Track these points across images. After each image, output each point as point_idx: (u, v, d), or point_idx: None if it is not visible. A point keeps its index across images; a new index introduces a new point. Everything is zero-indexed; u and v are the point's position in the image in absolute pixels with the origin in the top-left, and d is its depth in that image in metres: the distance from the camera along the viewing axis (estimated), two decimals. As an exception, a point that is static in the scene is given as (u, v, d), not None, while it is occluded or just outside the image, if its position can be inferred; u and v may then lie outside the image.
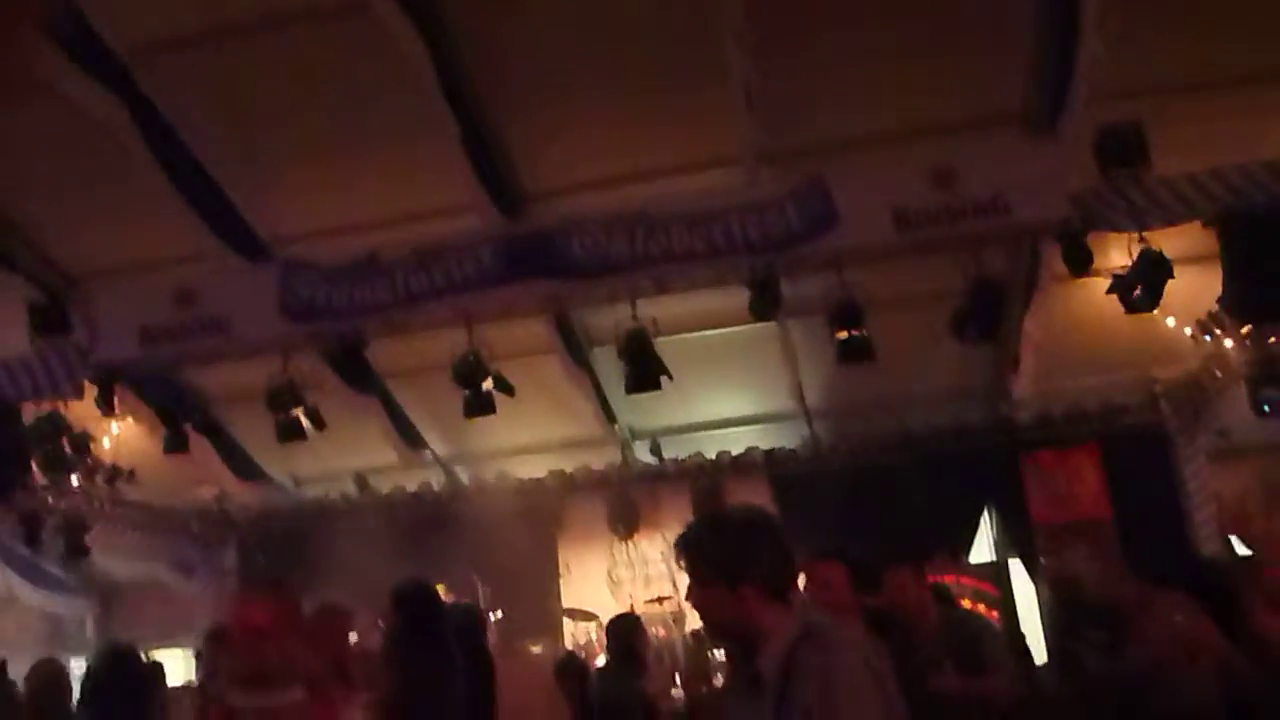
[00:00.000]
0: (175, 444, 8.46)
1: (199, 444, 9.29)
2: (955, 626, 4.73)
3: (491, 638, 7.03)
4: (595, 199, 7.16)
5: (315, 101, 6.98)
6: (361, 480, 10.69)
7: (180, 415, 8.61)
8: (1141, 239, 6.87)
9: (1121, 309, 7.16)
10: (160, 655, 8.18)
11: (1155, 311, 7.48)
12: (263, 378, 7.97)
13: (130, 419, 8.99)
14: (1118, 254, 7.17)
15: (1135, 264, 6.90)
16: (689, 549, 2.56)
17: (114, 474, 9.30)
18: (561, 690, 5.64)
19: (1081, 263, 6.93)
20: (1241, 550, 8.76)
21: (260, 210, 7.63)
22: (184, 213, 7.34)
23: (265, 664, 2.69)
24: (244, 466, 10.14)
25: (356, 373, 8.42)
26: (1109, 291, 7.12)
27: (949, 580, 9.20)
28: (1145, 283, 6.95)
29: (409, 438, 9.99)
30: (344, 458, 10.11)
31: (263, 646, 2.69)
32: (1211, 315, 7.82)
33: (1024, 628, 9.18)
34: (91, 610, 11.53)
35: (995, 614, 9.40)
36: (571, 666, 6.93)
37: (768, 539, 2.54)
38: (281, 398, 7.80)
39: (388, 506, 10.65)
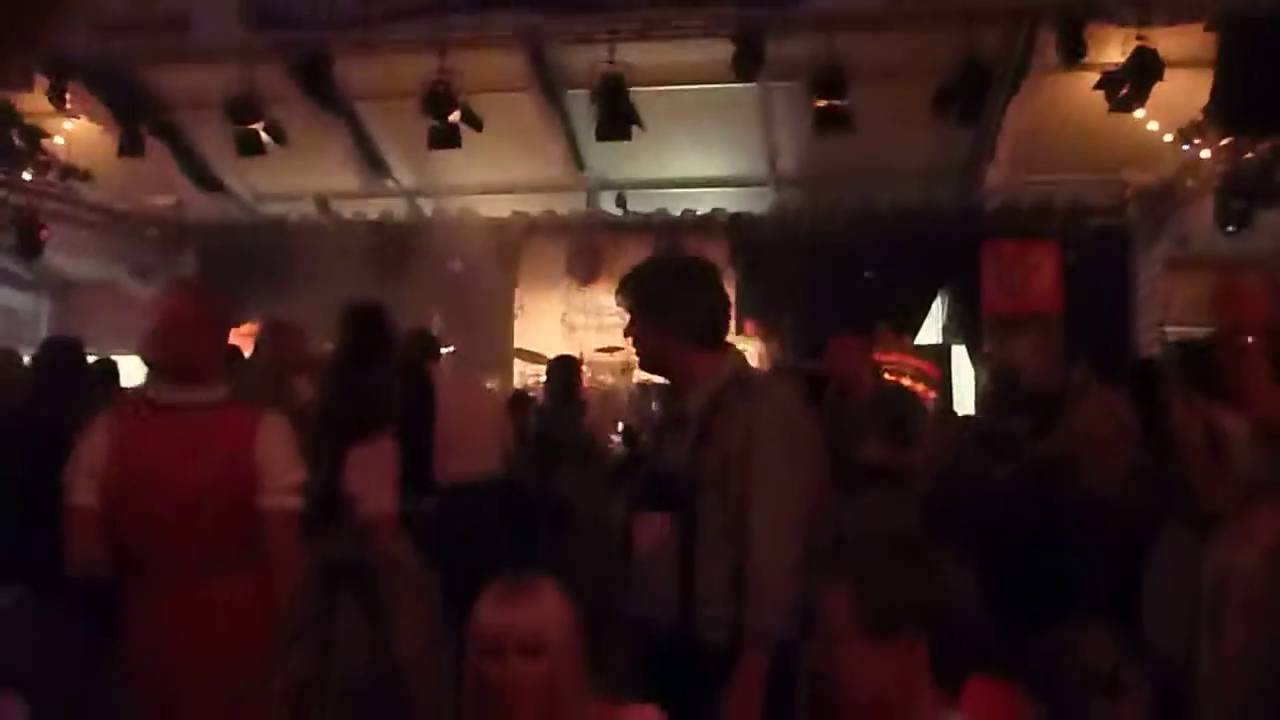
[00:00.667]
0: (131, 146, 8.25)
1: (157, 149, 9.06)
2: (886, 400, 4.85)
3: (444, 368, 7.18)
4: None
5: None
6: (322, 202, 10.53)
7: (136, 116, 8.34)
8: (1139, 35, 6.70)
9: (1104, 107, 7.06)
10: (116, 357, 8.28)
11: (1139, 113, 7.40)
12: (224, 85, 7.73)
13: (85, 118, 8.70)
14: (1111, 49, 6.99)
15: (1128, 61, 6.75)
16: (628, 284, 2.65)
17: (68, 172, 9.10)
18: (510, 419, 5.83)
19: (1075, 52, 6.78)
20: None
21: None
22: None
23: (183, 355, 2.68)
24: (203, 176, 9.93)
25: (321, 89, 8.12)
26: (1096, 87, 7.00)
27: (893, 358, 9.41)
28: (1134, 81, 6.83)
29: (373, 163, 9.80)
30: (306, 177, 9.92)
31: (182, 337, 2.68)
32: (1194, 123, 7.71)
33: (958, 410, 9.51)
34: (46, 307, 11.55)
35: (933, 395, 9.68)
36: (521, 399, 7.16)
37: (705, 287, 2.62)
38: (241, 108, 7.59)
39: (348, 231, 10.56)
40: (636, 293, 2.66)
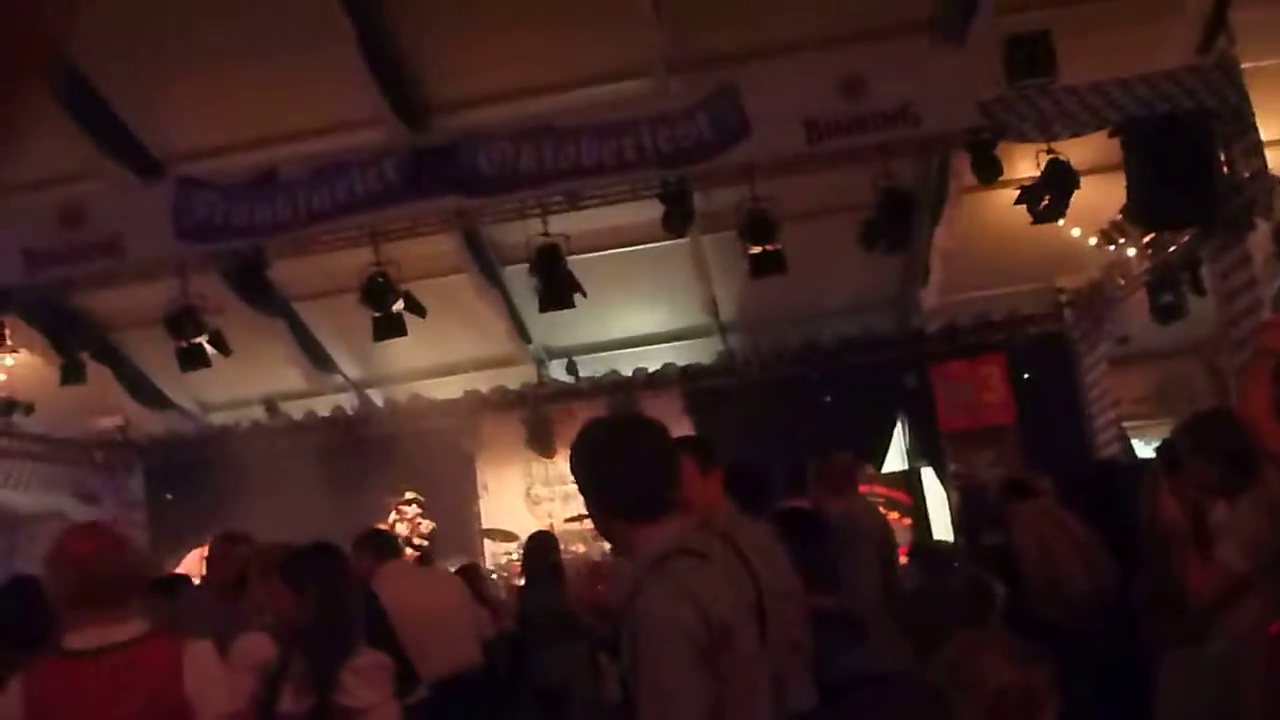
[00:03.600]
0: (72, 374, 8.13)
1: (99, 372, 8.97)
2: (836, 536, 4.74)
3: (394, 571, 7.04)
4: (501, 111, 7.00)
5: (202, 7, 6.64)
6: (271, 405, 10.45)
7: (75, 343, 8.27)
8: (1049, 149, 6.96)
9: (1027, 219, 7.27)
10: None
11: (1061, 221, 7.62)
12: (162, 301, 7.72)
13: (24, 350, 8.63)
14: (1024, 164, 7.25)
15: (1043, 174, 6.99)
16: (569, 459, 2.51)
17: (9, 407, 8.96)
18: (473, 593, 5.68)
19: (991, 172, 7.00)
20: (1142, 451, 9.05)
21: (150, 126, 7.29)
22: (69, 129, 6.96)
23: (90, 585, 2.56)
24: (147, 394, 9.85)
25: (260, 294, 8.14)
26: (1017, 202, 7.21)
27: (863, 490, 9.36)
28: (1052, 192, 7.05)
29: (318, 361, 9.79)
30: (251, 383, 9.88)
31: (88, 568, 2.56)
32: (1114, 224, 7.97)
33: (936, 532, 9.44)
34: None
35: (908, 521, 9.62)
36: (469, 569, 7.00)
37: (627, 456, 2.38)
38: (182, 323, 7.55)
39: (299, 431, 10.44)
40: (571, 468, 2.48)
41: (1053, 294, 9.41)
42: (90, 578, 2.55)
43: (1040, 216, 7.16)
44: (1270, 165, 6.81)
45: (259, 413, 10.48)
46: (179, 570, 7.67)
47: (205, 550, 7.65)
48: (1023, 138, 6.93)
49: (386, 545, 5.37)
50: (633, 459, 2.36)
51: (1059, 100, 6.69)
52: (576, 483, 2.43)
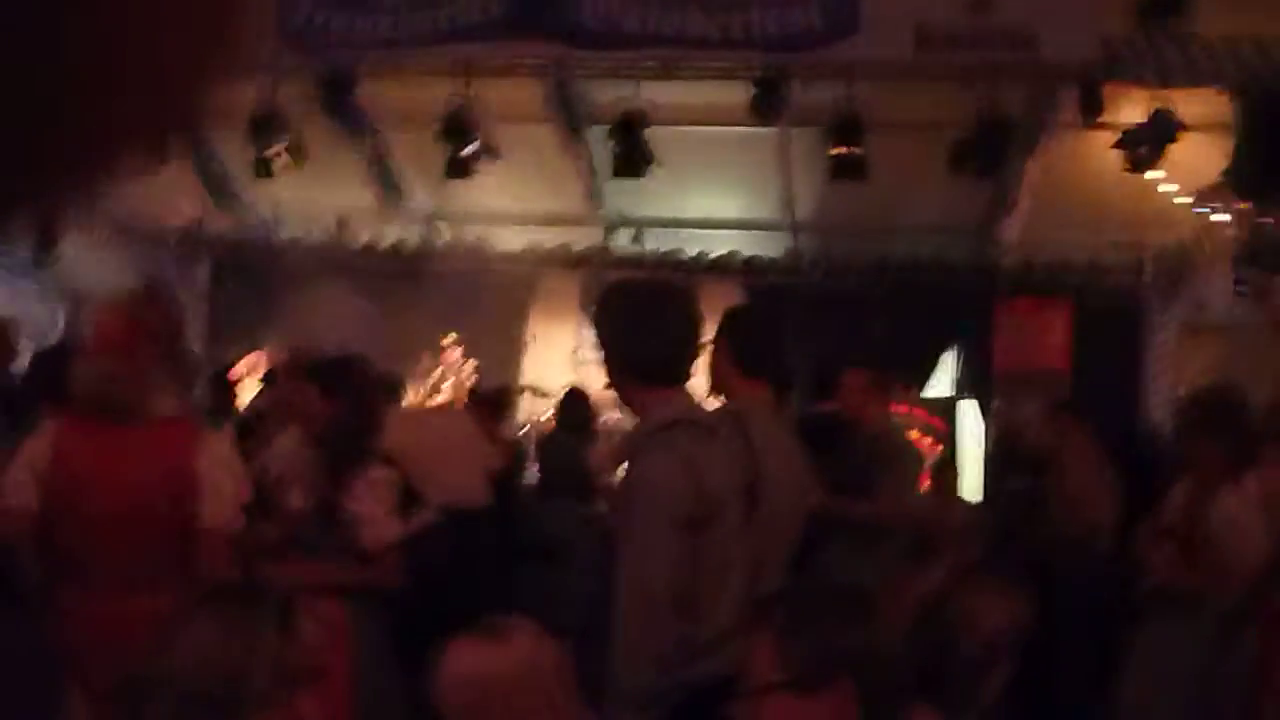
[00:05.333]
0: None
1: (177, 162, 9.10)
2: (867, 448, 4.76)
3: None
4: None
5: None
6: (342, 223, 10.58)
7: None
8: (1160, 97, 6.70)
9: (1122, 169, 7.05)
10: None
11: (1157, 174, 7.39)
12: (248, 99, 7.77)
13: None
14: (1131, 110, 7.00)
15: (1148, 121, 6.75)
16: (592, 315, 2.53)
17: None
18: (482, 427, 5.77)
19: (1094, 110, 6.78)
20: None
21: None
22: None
23: (118, 374, 2.62)
24: (221, 192, 9.99)
25: (346, 110, 8.18)
26: (1115, 145, 6.99)
27: (901, 409, 9.35)
28: (1152, 142, 6.84)
29: (390, 186, 9.84)
30: (323, 194, 9.95)
31: (117, 356, 2.62)
32: (1212, 187, 7.70)
33: (966, 466, 9.44)
34: (61, 315, 11.57)
35: (939, 448, 9.61)
36: (492, 397, 7.09)
37: (649, 321, 2.42)
38: (264, 128, 7.62)
39: (363, 253, 10.58)
40: (594, 324, 2.53)
41: (1135, 249, 9.16)
42: (118, 365, 2.64)
43: (1136, 164, 6.96)
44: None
45: (326, 224, 10.60)
46: (236, 368, 7.86)
47: (263, 353, 7.90)
48: (1140, 80, 6.67)
49: (395, 388, 5.49)
50: (653, 325, 2.41)
51: (1185, 47, 6.41)
52: (597, 339, 2.47)
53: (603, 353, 2.51)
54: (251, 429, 5.01)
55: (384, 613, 3.26)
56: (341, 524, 3.13)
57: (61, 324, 11.47)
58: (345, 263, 10.36)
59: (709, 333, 2.63)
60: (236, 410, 6.87)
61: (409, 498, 3.75)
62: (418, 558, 3.47)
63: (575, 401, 6.73)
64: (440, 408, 8.97)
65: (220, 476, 2.64)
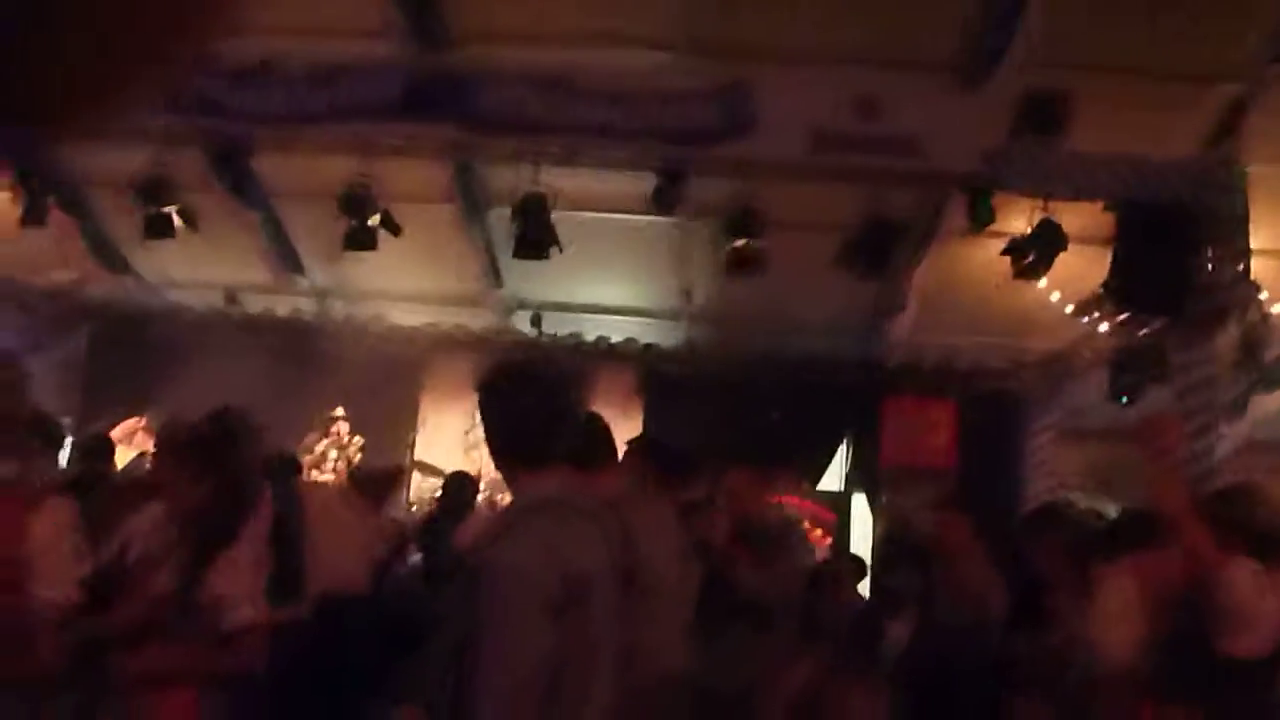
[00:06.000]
0: (34, 216, 8.02)
1: (64, 225, 8.84)
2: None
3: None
4: (515, 53, 6.88)
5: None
6: (231, 295, 10.34)
7: (44, 188, 8.14)
8: (1044, 208, 6.99)
9: (1005, 274, 7.30)
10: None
11: (1041, 283, 7.67)
12: (140, 167, 7.61)
13: (-2, 189, 8.47)
14: (1016, 220, 7.27)
15: (1034, 231, 7.02)
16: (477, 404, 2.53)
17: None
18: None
19: (984, 219, 7.04)
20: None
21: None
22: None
23: None
24: (108, 255, 9.70)
25: (240, 182, 8.05)
26: (1004, 253, 7.25)
27: (791, 501, 9.43)
28: (1039, 251, 7.10)
29: (286, 260, 9.67)
30: (215, 268, 9.76)
31: None
32: (1092, 298, 8.01)
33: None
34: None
35: (829, 540, 9.70)
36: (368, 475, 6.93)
37: (518, 401, 2.43)
38: (154, 190, 7.47)
39: (253, 326, 10.33)
40: (478, 405, 2.53)
41: (1017, 353, 9.46)
42: None
43: (1023, 272, 7.21)
44: (1255, 274, 6.89)
45: (216, 299, 10.36)
46: (111, 433, 7.54)
47: (138, 422, 7.60)
48: (1021, 192, 6.95)
49: (295, 464, 5.36)
50: (522, 405, 2.38)
51: (1064, 163, 6.71)
52: (481, 420, 2.46)
53: (485, 432, 2.50)
54: (121, 496, 4.79)
55: (244, 700, 3.09)
56: (203, 607, 2.99)
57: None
58: (233, 334, 10.10)
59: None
60: (107, 477, 6.54)
61: (285, 584, 3.60)
62: (287, 647, 3.32)
63: (459, 485, 6.62)
64: (326, 486, 8.73)
65: (53, 549, 2.49)
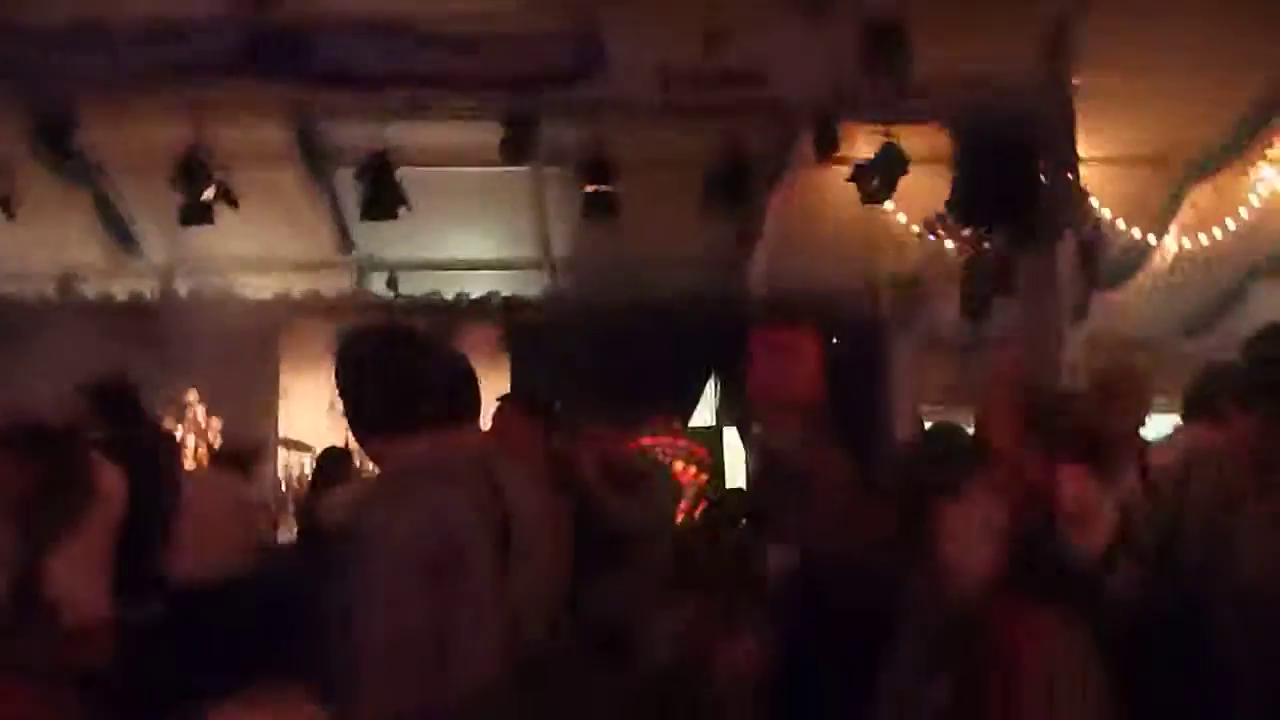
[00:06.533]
0: None
1: None
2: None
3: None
4: (355, 4, 6.64)
5: None
6: (66, 283, 9.78)
7: None
8: (886, 133, 7.16)
9: (858, 201, 7.47)
10: None
11: (890, 206, 7.87)
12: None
13: None
14: (863, 146, 7.44)
15: (876, 156, 7.19)
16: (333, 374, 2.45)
17: None
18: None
19: (829, 147, 7.17)
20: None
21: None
22: None
23: None
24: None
25: (64, 158, 7.57)
26: (849, 179, 7.40)
27: (663, 440, 9.51)
28: (883, 175, 7.28)
29: (122, 239, 9.19)
30: (45, 253, 9.20)
31: None
32: (937, 216, 8.27)
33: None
34: None
35: (705, 477, 9.83)
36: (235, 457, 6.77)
37: (380, 368, 2.36)
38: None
39: (92, 312, 9.81)
40: (335, 377, 2.43)
41: (874, 276, 9.71)
42: None
43: (870, 196, 7.39)
44: (1086, 182, 7.23)
45: (48, 286, 9.79)
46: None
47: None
48: (864, 120, 7.10)
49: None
50: (385, 370, 2.32)
51: (902, 86, 6.86)
52: (337, 390, 2.38)
53: (343, 404, 2.42)
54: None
55: (91, 700, 2.93)
56: (41, 603, 2.82)
57: None
58: (72, 322, 9.58)
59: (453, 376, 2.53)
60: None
61: (135, 578, 3.43)
62: (140, 643, 3.17)
63: (334, 459, 6.47)
64: (196, 472, 8.40)
65: None
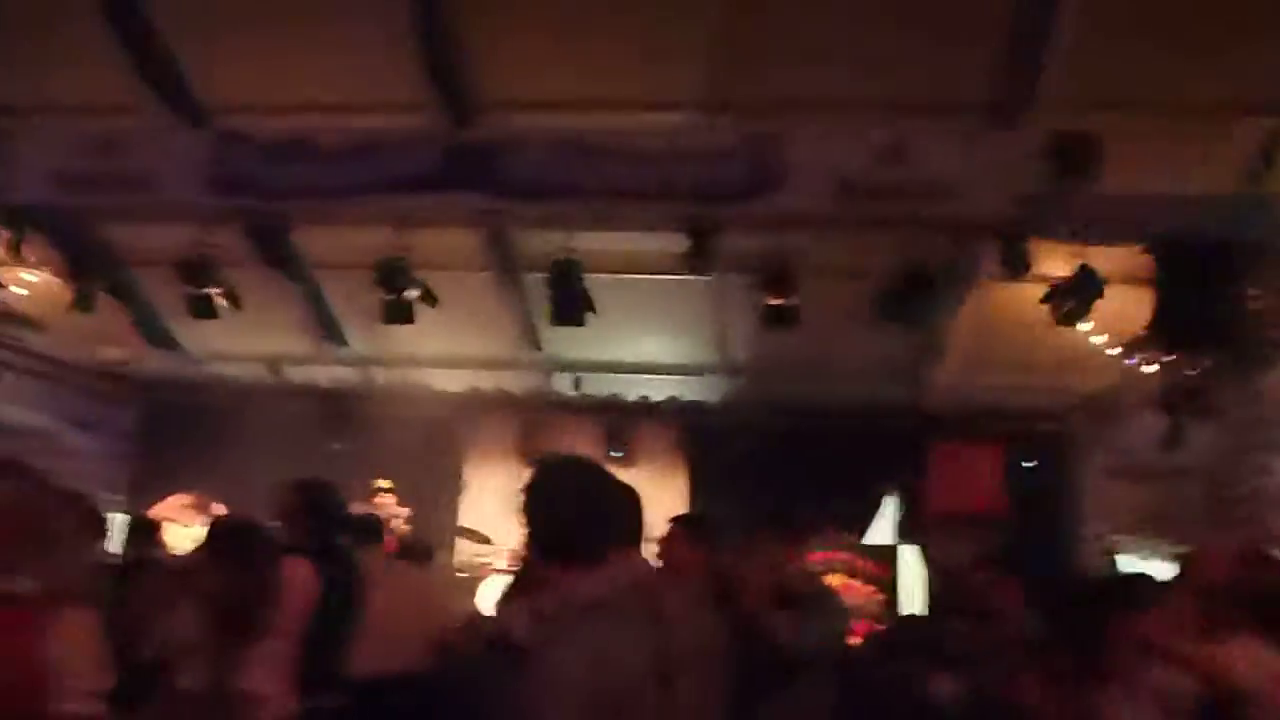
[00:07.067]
0: (83, 303, 8.21)
1: (111, 304, 9.02)
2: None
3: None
4: (543, 119, 6.97)
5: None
6: (274, 366, 10.49)
7: (92, 272, 8.33)
8: (1081, 252, 6.90)
9: (1048, 316, 7.20)
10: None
11: (1085, 326, 7.55)
12: (183, 243, 7.77)
13: (45, 270, 8.67)
14: (1053, 263, 7.18)
15: (1072, 277, 6.93)
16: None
17: (23, 323, 9.03)
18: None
19: (1019, 266, 6.95)
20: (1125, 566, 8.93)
21: (196, 71, 7.29)
22: (118, 58, 6.99)
23: None
24: (155, 333, 9.88)
25: (279, 257, 8.21)
26: (1043, 301, 7.15)
27: (840, 556, 9.31)
28: (1078, 296, 7.00)
29: (327, 331, 9.80)
30: (259, 340, 9.91)
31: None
32: (1137, 339, 7.88)
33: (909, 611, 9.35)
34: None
35: (881, 595, 9.54)
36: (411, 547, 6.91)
37: (560, 500, 2.45)
38: (196, 271, 7.62)
39: (296, 396, 10.47)
40: (519, 505, 2.53)
41: (1063, 395, 9.31)
42: None
43: (1062, 318, 7.10)
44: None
45: (262, 370, 10.51)
46: (158, 510, 7.57)
47: (187, 498, 7.68)
48: (1056, 237, 6.87)
49: (376, 529, 5.39)
50: (563, 503, 2.39)
51: (1098, 206, 6.63)
52: (521, 517, 2.46)
53: (528, 530, 2.51)
54: (169, 582, 4.82)
55: None
56: (234, 701, 2.97)
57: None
58: (278, 405, 10.24)
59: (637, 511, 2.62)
60: (155, 561, 6.58)
61: (320, 672, 3.58)
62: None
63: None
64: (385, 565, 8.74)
65: (75, 662, 2.49)
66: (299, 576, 3.83)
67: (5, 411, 10.51)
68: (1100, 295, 6.92)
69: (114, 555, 6.19)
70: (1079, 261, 6.95)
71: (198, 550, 4.03)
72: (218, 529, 3.42)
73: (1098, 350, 8.05)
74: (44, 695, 2.42)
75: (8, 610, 2.54)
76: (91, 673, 2.52)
